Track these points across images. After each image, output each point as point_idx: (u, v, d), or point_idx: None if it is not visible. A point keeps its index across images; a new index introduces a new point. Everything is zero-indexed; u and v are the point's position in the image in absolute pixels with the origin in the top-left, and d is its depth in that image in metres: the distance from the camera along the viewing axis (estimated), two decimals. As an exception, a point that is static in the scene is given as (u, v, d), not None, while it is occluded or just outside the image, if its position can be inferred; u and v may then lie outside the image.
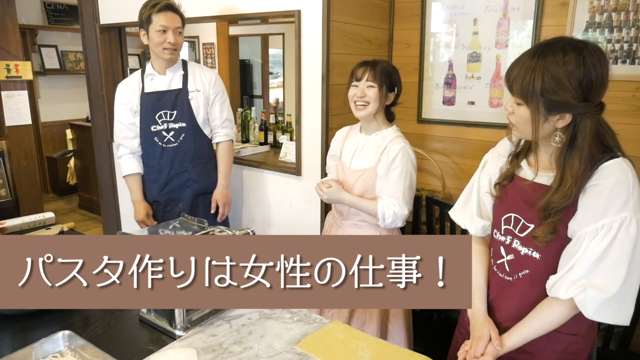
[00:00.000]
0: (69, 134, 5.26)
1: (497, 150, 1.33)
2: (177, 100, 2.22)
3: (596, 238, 1.05)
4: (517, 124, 1.13)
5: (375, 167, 1.77)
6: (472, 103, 2.64)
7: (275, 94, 6.93)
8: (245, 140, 3.23)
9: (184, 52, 6.63)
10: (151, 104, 2.21)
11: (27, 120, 3.27)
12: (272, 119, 3.11)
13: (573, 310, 1.10)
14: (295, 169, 2.45)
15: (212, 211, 2.33)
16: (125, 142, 2.27)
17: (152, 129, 2.22)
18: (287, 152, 2.64)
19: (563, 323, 1.14)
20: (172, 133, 2.23)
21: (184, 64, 2.27)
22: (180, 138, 2.24)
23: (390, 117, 1.88)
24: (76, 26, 5.40)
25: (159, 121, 2.22)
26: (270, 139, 3.13)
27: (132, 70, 3.58)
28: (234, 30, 5.82)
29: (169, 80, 2.23)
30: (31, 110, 3.40)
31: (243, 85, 6.70)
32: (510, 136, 1.26)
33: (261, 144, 3.11)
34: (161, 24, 2.07)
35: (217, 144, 2.36)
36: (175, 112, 2.22)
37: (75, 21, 5.46)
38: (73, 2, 4.56)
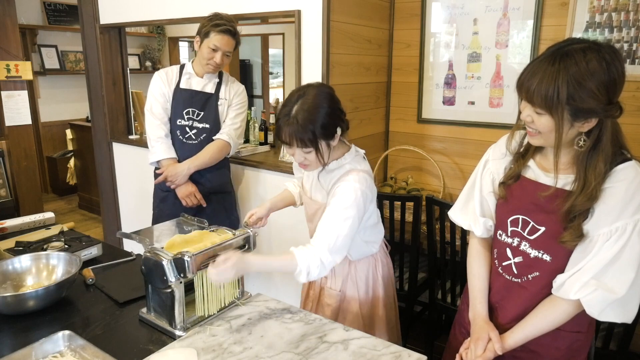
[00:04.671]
0: (69, 134, 5.26)
1: (499, 149, 1.30)
2: (207, 102, 2.31)
3: (610, 240, 1.05)
4: (541, 132, 1.09)
5: (326, 204, 1.48)
6: (472, 103, 2.63)
7: (275, 94, 6.92)
8: (245, 140, 3.22)
9: (184, 53, 6.63)
10: (182, 99, 2.29)
11: (27, 120, 3.27)
12: (272, 119, 3.11)
13: (578, 309, 1.11)
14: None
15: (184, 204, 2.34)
16: (163, 124, 2.30)
17: (178, 122, 2.31)
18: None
19: (565, 322, 1.14)
20: (194, 131, 2.32)
21: (220, 73, 2.36)
22: (201, 137, 2.32)
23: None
24: (76, 26, 5.41)
25: (185, 117, 2.30)
26: (270, 139, 3.13)
27: (132, 70, 3.61)
28: (234, 30, 5.80)
29: (204, 84, 2.32)
30: (31, 110, 3.40)
31: (243, 85, 6.70)
32: (510, 136, 1.25)
33: (261, 144, 3.11)
34: (215, 44, 2.15)
35: (213, 139, 2.34)
36: (202, 112, 2.31)
37: (75, 21, 5.47)
38: (73, 2, 4.56)
